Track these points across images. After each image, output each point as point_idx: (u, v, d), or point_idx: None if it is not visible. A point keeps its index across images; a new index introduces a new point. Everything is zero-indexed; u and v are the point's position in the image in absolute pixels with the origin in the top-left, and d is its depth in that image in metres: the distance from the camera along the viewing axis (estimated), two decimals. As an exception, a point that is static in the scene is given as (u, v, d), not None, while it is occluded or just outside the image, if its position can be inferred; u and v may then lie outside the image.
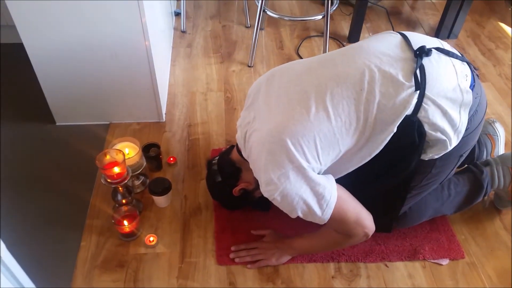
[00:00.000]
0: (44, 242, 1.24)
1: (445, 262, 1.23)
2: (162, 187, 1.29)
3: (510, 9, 2.41)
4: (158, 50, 1.59)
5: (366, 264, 1.21)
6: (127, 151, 1.29)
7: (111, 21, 1.30)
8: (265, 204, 1.16)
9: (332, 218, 0.98)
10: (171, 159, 1.48)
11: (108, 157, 1.18)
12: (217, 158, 1.22)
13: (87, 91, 1.50)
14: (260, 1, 1.82)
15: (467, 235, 1.30)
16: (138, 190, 1.38)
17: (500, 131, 1.39)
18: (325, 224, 1.01)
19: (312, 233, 1.16)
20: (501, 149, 1.38)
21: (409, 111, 0.93)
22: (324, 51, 1.97)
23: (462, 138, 0.99)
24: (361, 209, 1.04)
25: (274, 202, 0.99)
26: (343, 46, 2.04)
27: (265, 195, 0.99)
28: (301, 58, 2.00)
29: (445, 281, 1.18)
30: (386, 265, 1.21)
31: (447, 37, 2.17)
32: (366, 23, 2.28)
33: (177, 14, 2.25)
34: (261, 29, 2.17)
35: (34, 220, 1.29)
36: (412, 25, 2.31)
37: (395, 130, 0.94)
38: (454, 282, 1.18)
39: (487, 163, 1.27)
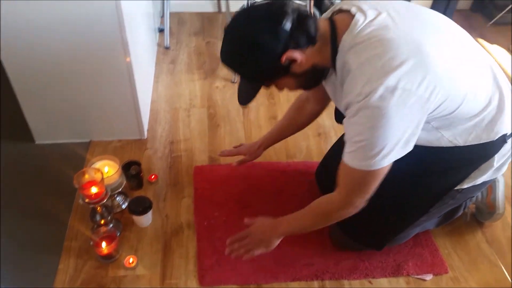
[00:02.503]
0: (20, 267, 1.20)
1: (429, 277, 1.22)
2: (142, 206, 1.26)
3: (487, 26, 2.47)
4: (141, 66, 1.58)
5: (350, 282, 1.20)
6: (107, 170, 1.27)
7: (90, 36, 1.28)
8: (252, 95, 0.96)
9: (365, 173, 0.86)
10: (153, 177, 1.45)
11: (87, 176, 1.15)
12: None
13: (67, 108, 1.48)
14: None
15: (450, 250, 1.30)
16: (118, 210, 1.35)
17: None
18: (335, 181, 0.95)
19: (297, 211, 1.07)
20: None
21: None
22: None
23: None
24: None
25: (348, 112, 0.83)
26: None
27: (355, 99, 0.80)
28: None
29: (429, 297, 1.18)
30: (370, 282, 1.20)
31: (427, 52, 2.20)
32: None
33: (161, 31, 2.25)
34: (244, 45, 2.18)
35: (9, 242, 1.25)
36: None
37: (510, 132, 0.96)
38: (438, 298, 1.18)
39: None
